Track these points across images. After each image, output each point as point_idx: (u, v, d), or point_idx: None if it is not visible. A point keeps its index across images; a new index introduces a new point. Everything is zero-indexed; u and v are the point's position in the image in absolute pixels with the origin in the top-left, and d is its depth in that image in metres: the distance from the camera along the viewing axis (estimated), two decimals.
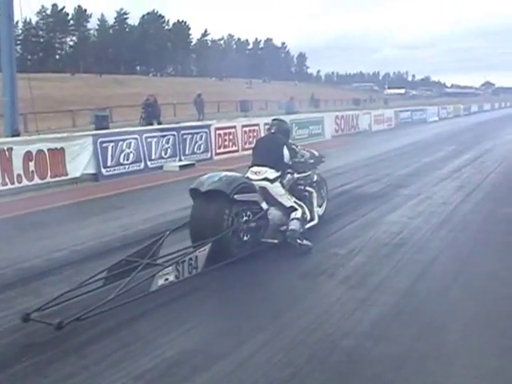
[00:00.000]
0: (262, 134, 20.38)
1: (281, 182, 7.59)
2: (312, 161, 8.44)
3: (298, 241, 7.11)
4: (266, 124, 20.85)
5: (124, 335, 4.78)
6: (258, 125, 20.80)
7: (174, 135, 16.48)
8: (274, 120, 8.57)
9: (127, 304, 5.15)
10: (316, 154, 8.77)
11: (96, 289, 5.51)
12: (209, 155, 17.86)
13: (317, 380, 3.99)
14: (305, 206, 7.74)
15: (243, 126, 19.94)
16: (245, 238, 6.94)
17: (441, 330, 4.74)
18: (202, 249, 6.23)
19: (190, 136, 17.12)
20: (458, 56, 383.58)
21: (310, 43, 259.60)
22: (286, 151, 7.75)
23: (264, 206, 7.24)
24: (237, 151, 19.16)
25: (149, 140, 15.53)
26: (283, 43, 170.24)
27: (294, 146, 8.21)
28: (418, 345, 4.49)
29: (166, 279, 5.67)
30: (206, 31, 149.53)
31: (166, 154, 16.08)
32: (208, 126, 18.32)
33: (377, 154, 18.35)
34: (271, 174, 7.49)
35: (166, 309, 5.39)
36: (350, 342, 4.56)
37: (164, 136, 16.11)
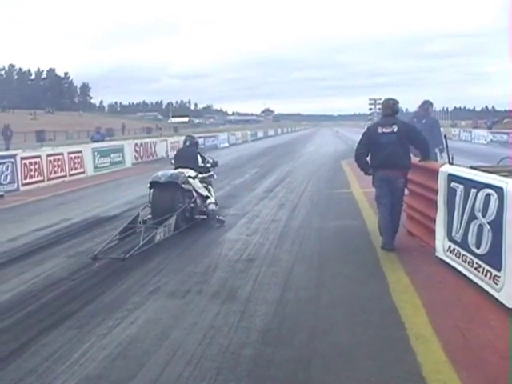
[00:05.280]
0: (67, 163, 19.91)
1: (198, 178, 10.54)
2: (210, 165, 11.29)
3: (217, 216, 10.36)
4: (69, 153, 20.58)
5: None
6: (62, 154, 20.30)
7: None
8: (187, 136, 11.99)
9: None
10: (215, 159, 11.70)
11: (116, 244, 8.44)
12: (15, 186, 16.86)
13: None
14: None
15: (48, 156, 19.24)
16: (187, 215, 9.97)
17: (329, 332, 5.05)
18: (173, 217, 9.21)
19: None
20: (236, 85, 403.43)
21: (93, 73, 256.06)
22: (199, 157, 10.98)
23: (194, 193, 10.25)
24: (43, 181, 18.34)
25: None
26: (66, 73, 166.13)
27: (203, 154, 11.42)
28: (315, 346, 4.74)
29: (160, 236, 8.63)
30: None
31: None
32: (14, 156, 17.37)
33: None
34: (192, 173, 10.42)
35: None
36: (250, 350, 4.67)
37: None
